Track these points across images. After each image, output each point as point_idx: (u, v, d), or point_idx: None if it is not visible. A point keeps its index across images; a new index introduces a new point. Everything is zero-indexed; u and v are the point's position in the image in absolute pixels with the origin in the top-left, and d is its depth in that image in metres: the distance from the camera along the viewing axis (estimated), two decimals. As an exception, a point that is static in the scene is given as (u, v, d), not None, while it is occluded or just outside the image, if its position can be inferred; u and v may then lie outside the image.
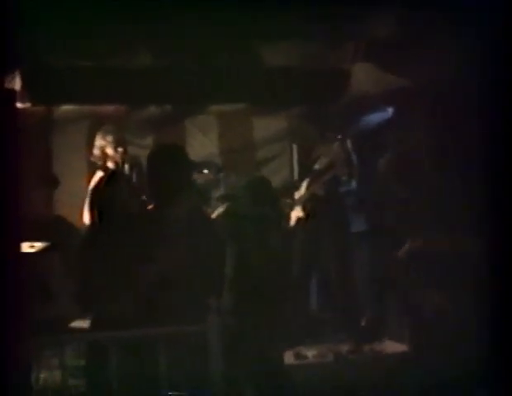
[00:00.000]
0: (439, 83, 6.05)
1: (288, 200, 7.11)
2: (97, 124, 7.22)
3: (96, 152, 6.36)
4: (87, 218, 5.82)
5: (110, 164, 6.31)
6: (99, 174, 6.16)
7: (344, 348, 6.44)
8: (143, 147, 7.42)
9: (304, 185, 7.09)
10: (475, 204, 5.22)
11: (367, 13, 5.49)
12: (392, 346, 6.52)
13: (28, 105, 5.89)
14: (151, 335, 4.49)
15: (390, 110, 7.12)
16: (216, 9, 5.14)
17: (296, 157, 8.10)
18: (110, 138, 6.32)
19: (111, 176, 5.81)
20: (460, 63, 5.52)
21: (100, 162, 6.35)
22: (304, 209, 6.99)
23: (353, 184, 7.13)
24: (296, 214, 7.02)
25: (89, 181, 6.24)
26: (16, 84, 5.67)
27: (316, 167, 7.11)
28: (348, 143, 7.13)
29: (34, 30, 5.04)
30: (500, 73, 4.83)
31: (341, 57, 6.31)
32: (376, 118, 7.39)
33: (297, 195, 7.11)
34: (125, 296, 4.45)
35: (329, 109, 7.53)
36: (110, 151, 6.29)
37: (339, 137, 7.23)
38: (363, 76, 6.55)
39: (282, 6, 5.11)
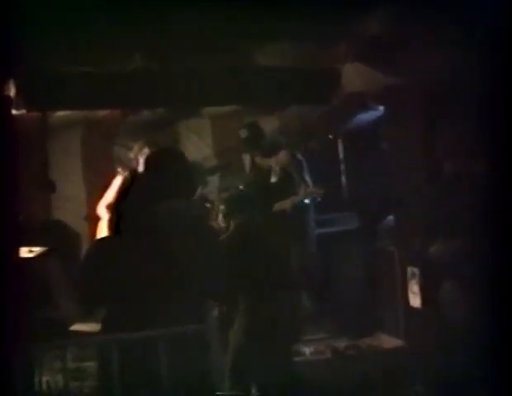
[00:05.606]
0: (431, 82, 6.09)
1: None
2: (91, 129, 7.31)
3: (131, 155, 6.70)
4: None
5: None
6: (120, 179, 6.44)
7: (342, 344, 6.51)
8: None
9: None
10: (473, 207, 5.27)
11: (357, 13, 5.55)
12: (389, 341, 6.59)
13: (24, 111, 5.92)
14: (153, 336, 4.51)
15: (381, 109, 7.17)
16: (207, 12, 5.19)
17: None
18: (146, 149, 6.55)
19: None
20: (451, 61, 5.58)
21: (122, 167, 6.63)
22: None
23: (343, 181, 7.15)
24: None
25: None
26: (12, 91, 5.72)
27: None
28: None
29: (29, 37, 5.09)
30: (493, 70, 4.86)
31: (331, 57, 6.36)
32: (367, 117, 7.44)
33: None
34: (127, 297, 4.47)
35: (321, 108, 7.58)
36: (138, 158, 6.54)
37: (331, 136, 7.27)
38: (354, 75, 6.59)
39: (271, 7, 5.16)
